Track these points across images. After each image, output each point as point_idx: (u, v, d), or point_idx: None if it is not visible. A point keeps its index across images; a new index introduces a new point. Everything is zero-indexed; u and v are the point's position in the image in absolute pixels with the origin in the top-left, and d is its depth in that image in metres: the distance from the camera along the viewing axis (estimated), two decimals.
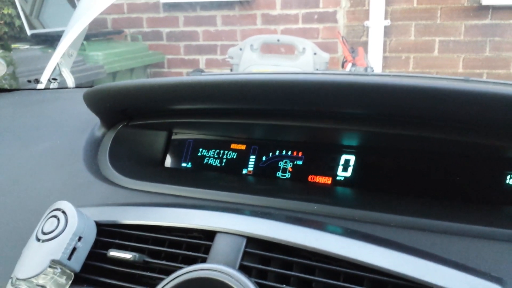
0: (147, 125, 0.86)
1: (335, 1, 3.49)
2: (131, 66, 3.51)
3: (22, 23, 3.10)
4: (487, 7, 3.23)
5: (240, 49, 2.59)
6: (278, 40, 2.68)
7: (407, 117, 0.65)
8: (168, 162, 0.88)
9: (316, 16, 3.54)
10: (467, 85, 0.55)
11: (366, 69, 2.39)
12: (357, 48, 2.63)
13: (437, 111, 0.59)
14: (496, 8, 3.22)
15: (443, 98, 0.56)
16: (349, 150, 0.75)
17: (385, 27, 3.39)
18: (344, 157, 0.75)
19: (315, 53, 2.43)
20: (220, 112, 0.80)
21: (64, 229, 0.58)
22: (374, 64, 3.24)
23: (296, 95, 0.65)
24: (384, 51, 3.44)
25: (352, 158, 0.74)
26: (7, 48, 2.86)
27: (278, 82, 0.63)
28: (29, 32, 3.19)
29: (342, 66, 2.60)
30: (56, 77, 1.49)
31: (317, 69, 2.40)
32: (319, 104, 0.67)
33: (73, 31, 1.49)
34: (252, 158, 0.81)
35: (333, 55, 3.43)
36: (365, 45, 3.41)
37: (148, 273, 0.58)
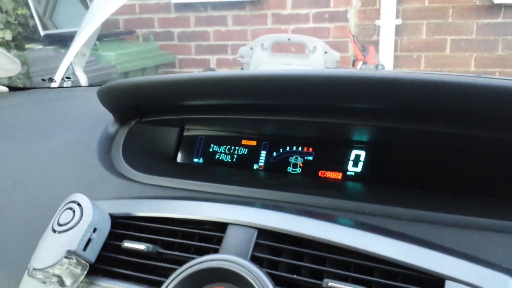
0: (159, 121, 0.87)
1: (346, 0, 3.48)
2: (143, 66, 3.54)
3: (35, 23, 3.14)
4: (499, 6, 3.21)
5: (251, 48, 2.59)
6: (289, 39, 2.67)
7: (418, 111, 0.65)
8: (180, 157, 0.89)
9: (326, 16, 3.53)
10: (479, 79, 0.55)
11: (377, 66, 2.39)
12: (368, 47, 2.62)
13: (448, 105, 0.59)
14: (508, 7, 3.19)
15: (455, 91, 0.56)
16: (359, 145, 0.76)
17: (397, 26, 3.37)
18: (354, 152, 0.75)
19: (325, 52, 2.43)
20: (231, 109, 0.81)
21: (80, 221, 0.59)
22: (385, 63, 3.23)
23: (309, 90, 0.65)
24: (396, 50, 3.43)
25: (362, 154, 0.75)
26: (21, 48, 2.90)
27: (291, 77, 0.64)
28: (42, 32, 3.23)
29: (353, 65, 2.60)
30: (70, 76, 1.51)
31: (327, 68, 2.40)
32: (331, 99, 0.67)
33: (86, 31, 1.51)
34: (263, 154, 0.82)
35: (344, 54, 3.43)
36: (376, 44, 3.40)
37: (162, 264, 0.59)
